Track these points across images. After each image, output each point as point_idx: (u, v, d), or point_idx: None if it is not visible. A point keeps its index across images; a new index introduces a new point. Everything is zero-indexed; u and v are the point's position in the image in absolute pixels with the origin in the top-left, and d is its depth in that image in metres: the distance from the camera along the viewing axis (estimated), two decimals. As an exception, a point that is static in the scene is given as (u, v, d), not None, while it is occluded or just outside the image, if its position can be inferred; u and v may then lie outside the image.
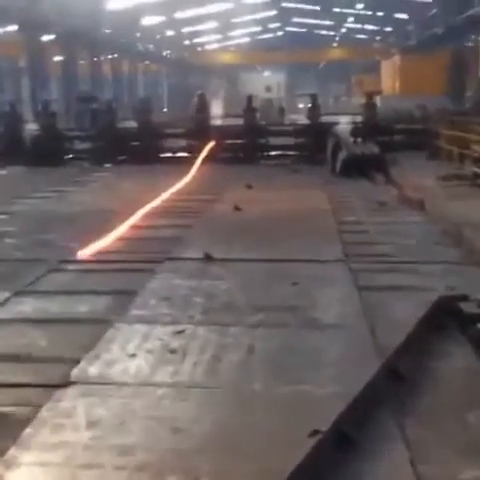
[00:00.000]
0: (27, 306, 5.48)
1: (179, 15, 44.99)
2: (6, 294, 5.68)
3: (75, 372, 4.09)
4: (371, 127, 16.73)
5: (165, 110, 40.70)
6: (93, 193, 12.29)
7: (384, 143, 15.68)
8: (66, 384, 3.93)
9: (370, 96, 17.80)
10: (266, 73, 68.75)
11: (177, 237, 7.99)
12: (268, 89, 46.34)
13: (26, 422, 3.49)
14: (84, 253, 7.05)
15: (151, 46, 47.41)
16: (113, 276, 6.40)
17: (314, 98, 17.74)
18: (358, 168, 13.52)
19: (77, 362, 4.23)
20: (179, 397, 3.78)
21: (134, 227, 8.69)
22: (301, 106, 49.27)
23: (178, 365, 4.19)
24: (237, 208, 9.70)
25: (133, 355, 4.36)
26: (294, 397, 3.77)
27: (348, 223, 8.72)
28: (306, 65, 68.47)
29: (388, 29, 58.20)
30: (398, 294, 5.64)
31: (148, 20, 43.91)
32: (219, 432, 3.41)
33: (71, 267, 6.74)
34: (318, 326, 4.84)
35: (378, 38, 63.45)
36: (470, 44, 39.16)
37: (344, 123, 17.50)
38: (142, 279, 6.14)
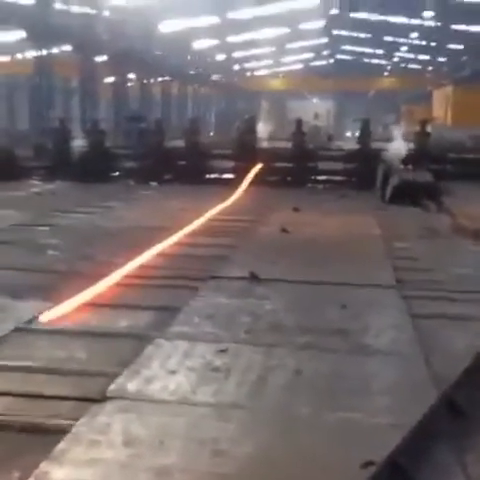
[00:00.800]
0: (67, 320, 5.33)
1: (230, 39, 45.34)
2: (48, 304, 5.55)
3: (113, 387, 3.91)
4: (423, 155, 16.38)
5: (211, 134, 40.85)
6: (138, 210, 12.21)
7: (436, 172, 15.31)
8: (103, 399, 3.75)
9: (423, 124, 17.48)
10: (314, 100, 68.78)
11: (222, 256, 7.80)
12: (316, 116, 46.24)
13: (60, 436, 3.32)
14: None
15: (200, 69, 47.82)
16: (156, 292, 6.25)
17: (365, 123, 17.49)
18: (409, 195, 13.19)
19: (116, 377, 4.06)
20: (221, 418, 3.56)
21: (178, 244, 8.56)
22: (348, 134, 49.10)
23: (221, 384, 3.98)
24: (284, 230, 9.49)
25: (173, 372, 4.16)
26: (343, 425, 3.52)
27: (399, 249, 8.43)
28: (355, 93, 68.23)
29: (441, 59, 57.68)
30: (453, 323, 5.35)
31: (199, 43, 44.32)
32: (261, 457, 3.18)
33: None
34: (369, 352, 4.58)
35: (430, 68, 62.97)
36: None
37: (395, 150, 17.16)
38: (186, 296, 5.96)
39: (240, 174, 16.26)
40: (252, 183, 15.61)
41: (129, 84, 38.37)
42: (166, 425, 3.46)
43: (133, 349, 4.57)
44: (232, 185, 15.23)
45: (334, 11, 43.19)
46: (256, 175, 16.17)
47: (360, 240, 9.09)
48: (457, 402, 3.66)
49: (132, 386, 3.94)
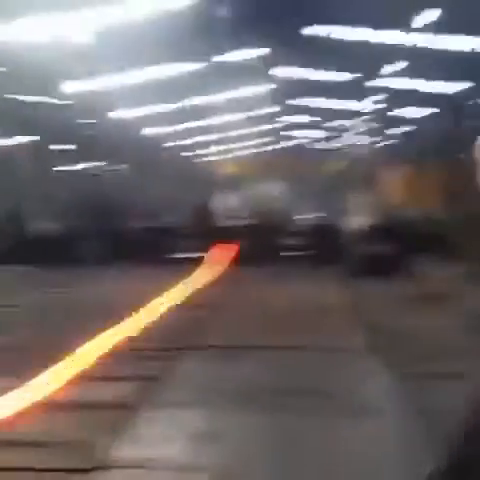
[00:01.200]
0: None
1: (179, 127, 45.77)
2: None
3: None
4: (385, 229, 16.42)
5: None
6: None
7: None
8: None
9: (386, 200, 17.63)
10: (267, 184, 69.45)
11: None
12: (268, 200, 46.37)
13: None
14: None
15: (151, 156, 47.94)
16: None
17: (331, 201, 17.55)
18: (374, 267, 13.09)
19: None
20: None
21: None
22: (303, 216, 49.44)
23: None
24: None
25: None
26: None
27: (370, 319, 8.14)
28: (306, 177, 69.30)
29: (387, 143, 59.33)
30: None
31: (150, 131, 44.56)
32: None
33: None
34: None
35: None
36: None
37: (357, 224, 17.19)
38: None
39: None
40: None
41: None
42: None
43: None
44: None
45: (290, 101, 44.09)
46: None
47: (327, 313, 8.75)
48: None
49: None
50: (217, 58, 26.68)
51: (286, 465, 3.73)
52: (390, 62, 27.80)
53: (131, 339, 6.94)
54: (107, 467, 3.70)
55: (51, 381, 5.22)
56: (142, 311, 8.51)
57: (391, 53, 25.61)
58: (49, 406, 4.74)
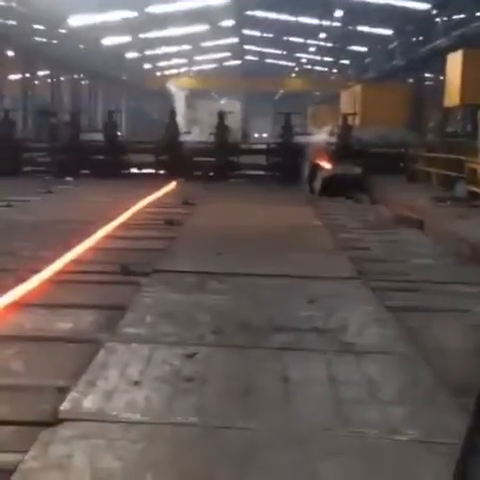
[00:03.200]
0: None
1: (142, 36, 44.05)
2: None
3: (66, 406, 3.12)
4: (346, 148, 16.08)
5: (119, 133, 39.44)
6: (57, 204, 11.22)
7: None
8: (56, 422, 2.96)
9: (345, 118, 17.23)
10: (223, 101, 68.42)
11: (159, 249, 7.05)
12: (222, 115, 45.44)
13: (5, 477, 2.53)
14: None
15: (111, 68, 46.34)
16: (95, 289, 5.44)
17: (288, 117, 17.05)
18: (339, 188, 12.82)
19: (66, 392, 3.27)
20: (211, 441, 2.85)
21: (108, 237, 7.75)
22: (256, 135, 48.83)
23: (200, 397, 3.27)
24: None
25: (137, 383, 3.41)
26: (355, 442, 2.88)
27: (347, 240, 7.92)
28: (263, 95, 68.28)
29: (346, 61, 58.38)
30: (434, 316, 4.83)
31: (110, 40, 42.85)
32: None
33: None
34: (359, 352, 3.96)
35: (335, 70, 63.69)
36: (429, 76, 39.34)
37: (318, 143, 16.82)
38: (129, 293, 5.19)
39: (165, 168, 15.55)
40: (173, 179, 14.88)
41: (37, 82, 36.60)
42: (145, 454, 2.72)
43: (82, 356, 3.79)
44: (155, 180, 14.46)
45: (247, 11, 42.67)
46: (179, 170, 15.46)
47: (304, 231, 8.53)
48: None
49: (90, 403, 3.16)
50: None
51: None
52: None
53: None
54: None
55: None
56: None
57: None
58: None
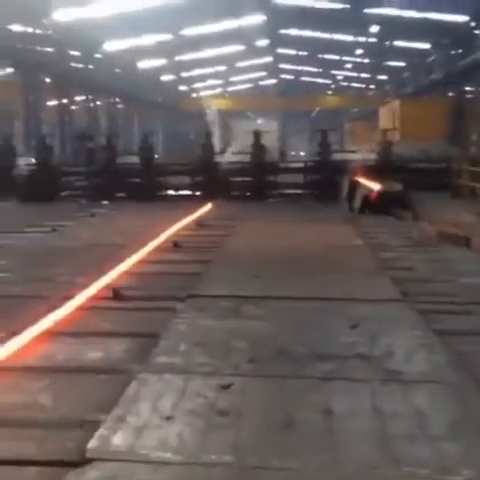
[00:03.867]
0: (27, 353, 4.32)
1: (177, 58, 44.40)
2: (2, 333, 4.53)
3: (94, 443, 2.94)
4: (387, 164, 15.79)
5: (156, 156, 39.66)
6: (93, 228, 11.16)
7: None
8: (83, 461, 2.78)
9: (385, 133, 16.95)
10: (259, 121, 68.52)
11: (194, 273, 6.87)
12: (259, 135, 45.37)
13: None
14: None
15: (146, 91, 46.77)
16: (129, 315, 5.28)
17: (325, 134, 16.84)
18: (378, 206, 12.53)
19: (96, 428, 3.09)
20: (246, 483, 2.64)
21: (143, 262, 7.61)
22: (293, 153, 48.61)
23: (234, 433, 3.05)
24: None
25: (169, 418, 3.21)
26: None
27: (389, 260, 7.63)
28: (299, 113, 68.22)
29: (383, 77, 58.02)
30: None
31: (145, 63, 43.29)
32: None
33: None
34: (406, 381, 3.70)
35: (372, 86, 63.36)
36: (469, 89, 38.81)
37: (354, 161, 16.57)
38: (164, 319, 5.01)
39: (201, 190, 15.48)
40: (212, 199, 14.77)
41: (73, 107, 37.09)
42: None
43: (112, 388, 3.61)
44: (191, 202, 14.37)
45: (281, 30, 42.71)
46: (216, 192, 15.35)
47: (344, 251, 8.28)
48: None
49: (119, 441, 2.97)
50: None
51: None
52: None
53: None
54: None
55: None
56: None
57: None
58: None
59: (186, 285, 6.14)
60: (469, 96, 38.15)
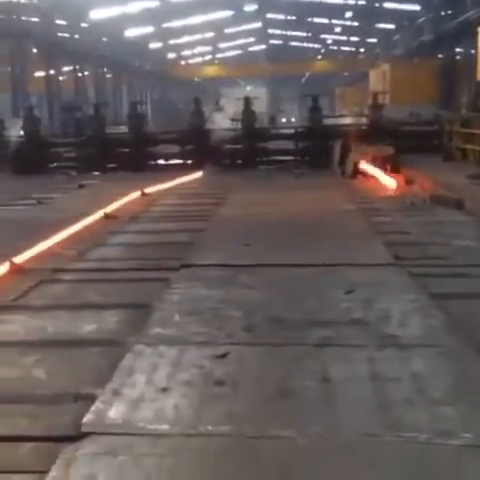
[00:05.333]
0: (16, 325, 4.29)
1: (164, 26, 43.79)
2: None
3: (89, 418, 2.90)
4: (378, 128, 15.64)
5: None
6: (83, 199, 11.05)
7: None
8: (79, 436, 2.75)
9: (376, 97, 16.79)
10: (248, 87, 68.04)
11: (186, 242, 6.81)
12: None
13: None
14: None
15: (134, 59, 46.19)
16: (120, 286, 5.23)
17: (315, 100, 16.66)
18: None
19: (90, 400, 3.06)
20: (244, 453, 2.61)
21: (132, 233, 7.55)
22: (284, 120, 48.24)
23: (232, 403, 3.03)
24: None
25: (165, 389, 3.18)
26: (404, 449, 2.61)
27: (383, 224, 7.59)
28: (289, 79, 67.68)
29: (372, 40, 57.45)
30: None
31: (133, 31, 42.69)
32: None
33: (67, 277, 5.55)
34: (405, 346, 3.67)
35: (362, 50, 62.78)
36: (460, 50, 38.50)
37: (347, 125, 16.42)
38: (157, 290, 4.97)
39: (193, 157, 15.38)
40: (201, 167, 14.67)
41: (61, 78, 36.61)
42: (173, 472, 2.49)
43: (107, 360, 3.57)
44: (182, 170, 14.26)
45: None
46: (206, 159, 15.24)
47: (337, 216, 8.24)
48: None
49: (115, 414, 2.94)
50: None
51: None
52: None
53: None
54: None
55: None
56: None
57: None
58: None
59: (179, 255, 6.10)
60: (459, 57, 37.86)
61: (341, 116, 19.38)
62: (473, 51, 31.19)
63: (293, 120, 47.89)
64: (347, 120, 17.57)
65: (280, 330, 3.97)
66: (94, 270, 5.79)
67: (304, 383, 3.19)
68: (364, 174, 12.38)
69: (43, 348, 3.84)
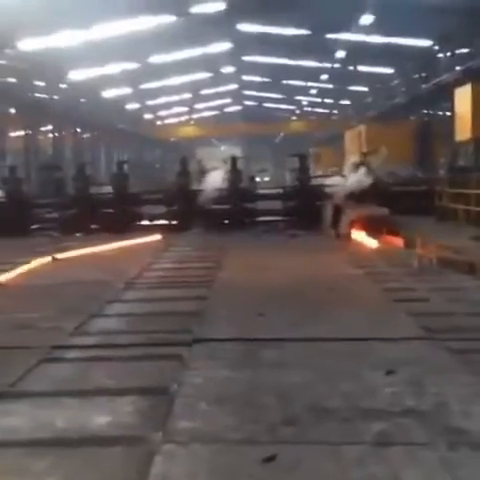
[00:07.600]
0: (17, 419, 3.70)
1: (142, 87, 43.81)
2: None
3: None
4: (369, 189, 15.34)
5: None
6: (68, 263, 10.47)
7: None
8: None
9: (364, 156, 16.62)
10: (223, 147, 68.47)
11: (192, 312, 6.29)
12: (225, 162, 44.94)
13: None
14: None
15: (111, 120, 46.09)
16: (130, 366, 4.66)
17: (303, 159, 16.44)
18: (365, 231, 12.11)
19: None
20: None
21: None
22: (258, 179, 48.20)
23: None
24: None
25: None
26: None
27: (397, 290, 7.13)
28: (263, 139, 68.32)
29: (346, 102, 58.27)
30: None
31: (110, 92, 42.62)
32: None
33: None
34: (477, 443, 3.16)
35: (335, 111, 63.65)
36: (432, 112, 39.12)
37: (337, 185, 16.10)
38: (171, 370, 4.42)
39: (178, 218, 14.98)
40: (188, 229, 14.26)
41: (39, 137, 36.29)
42: None
43: (133, 464, 3.01)
44: (166, 231, 13.86)
45: (246, 57, 42.55)
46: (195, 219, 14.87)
47: (344, 282, 7.78)
48: None
49: None
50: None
51: None
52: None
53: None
54: None
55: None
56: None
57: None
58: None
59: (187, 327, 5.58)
60: (434, 119, 38.44)
61: (328, 176, 19.10)
62: (448, 113, 31.63)
63: (266, 179, 47.92)
64: (335, 180, 17.27)
65: (327, 423, 3.45)
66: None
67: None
68: (360, 236, 12.04)
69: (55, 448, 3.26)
